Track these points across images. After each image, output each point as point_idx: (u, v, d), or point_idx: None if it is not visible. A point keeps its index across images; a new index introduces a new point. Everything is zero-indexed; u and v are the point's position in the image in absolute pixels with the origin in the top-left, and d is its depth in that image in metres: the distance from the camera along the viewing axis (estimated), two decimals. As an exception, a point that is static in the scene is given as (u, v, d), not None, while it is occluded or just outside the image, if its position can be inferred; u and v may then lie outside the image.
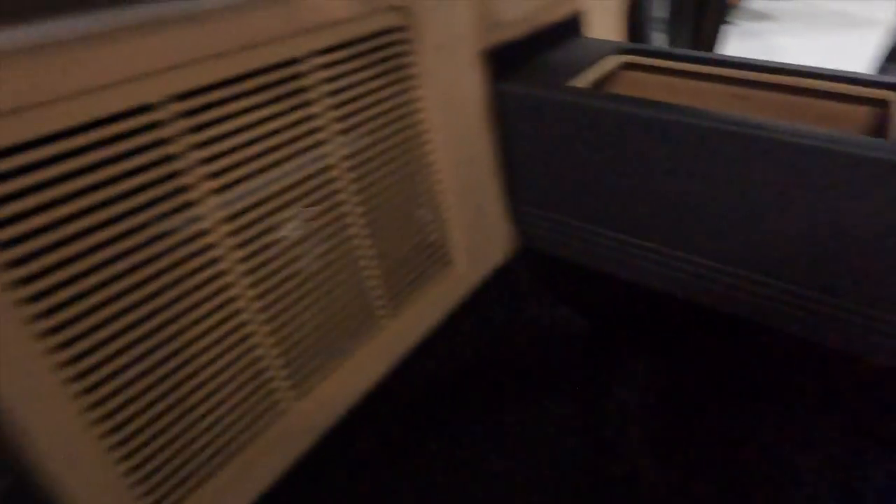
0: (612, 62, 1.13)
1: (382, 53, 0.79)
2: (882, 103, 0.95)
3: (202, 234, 0.60)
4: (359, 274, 0.80)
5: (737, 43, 4.94)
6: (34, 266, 0.48)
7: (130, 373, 0.56)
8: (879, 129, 0.95)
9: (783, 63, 1.05)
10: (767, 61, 1.06)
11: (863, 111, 0.99)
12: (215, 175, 0.61)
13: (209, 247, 0.61)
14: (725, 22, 1.83)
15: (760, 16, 5.72)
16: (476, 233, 1.01)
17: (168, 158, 0.56)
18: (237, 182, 0.63)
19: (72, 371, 0.52)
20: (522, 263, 1.11)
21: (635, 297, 1.04)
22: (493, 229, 1.06)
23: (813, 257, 0.83)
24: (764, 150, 0.79)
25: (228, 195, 0.63)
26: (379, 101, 0.79)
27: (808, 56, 4.59)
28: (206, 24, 0.58)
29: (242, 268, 0.65)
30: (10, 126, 0.46)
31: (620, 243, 1.00)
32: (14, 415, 0.48)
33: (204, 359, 0.62)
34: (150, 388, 0.58)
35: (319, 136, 0.71)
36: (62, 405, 0.51)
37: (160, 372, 0.58)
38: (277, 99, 0.66)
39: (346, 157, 0.75)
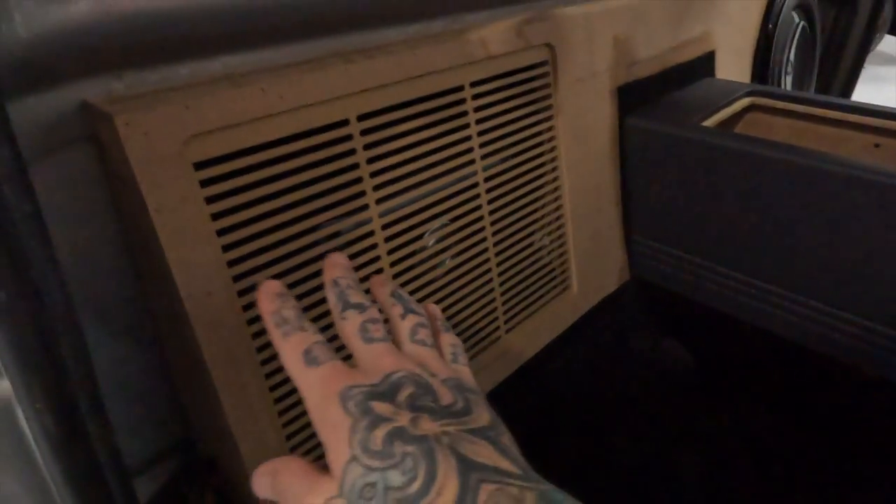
0: (741, 103, 1.15)
1: (528, 85, 0.85)
2: None
3: (368, 234, 0.68)
4: (484, 288, 0.86)
5: (864, 88, 4.67)
6: (244, 249, 0.58)
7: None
8: None
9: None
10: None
11: None
12: (381, 186, 0.69)
13: (373, 246, 0.69)
14: (860, 68, 1.78)
15: (891, 59, 5.37)
16: (592, 259, 1.05)
17: (352, 167, 0.65)
18: (397, 193, 0.71)
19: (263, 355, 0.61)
20: (634, 294, 1.14)
21: (744, 336, 1.04)
22: (608, 257, 1.10)
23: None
24: (879, 195, 0.79)
25: (390, 203, 0.71)
26: (520, 129, 0.86)
27: (944, 105, 4.25)
28: (389, 55, 0.66)
29: (392, 271, 0.72)
30: (239, 135, 0.55)
31: (736, 282, 1.01)
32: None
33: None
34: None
35: (469, 156, 0.79)
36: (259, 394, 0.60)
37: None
38: (440, 122, 0.74)
39: (487, 179, 0.82)
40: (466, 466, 0.28)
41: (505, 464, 0.29)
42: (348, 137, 0.64)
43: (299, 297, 0.64)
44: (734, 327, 1.05)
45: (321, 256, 0.65)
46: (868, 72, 5.25)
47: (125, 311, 0.62)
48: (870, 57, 5.51)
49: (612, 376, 1.09)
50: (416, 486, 0.28)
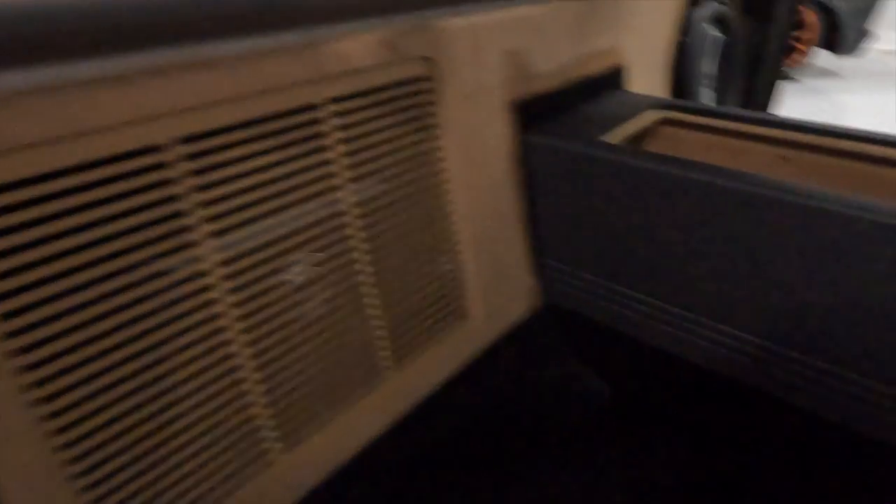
0: (649, 117, 1.10)
1: (405, 102, 0.78)
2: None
3: (199, 275, 0.60)
4: (364, 323, 0.78)
5: (800, 100, 4.81)
6: (25, 299, 0.49)
7: (109, 411, 0.55)
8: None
9: (830, 125, 1.00)
10: (812, 122, 1.01)
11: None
12: (217, 217, 0.60)
13: (206, 288, 0.60)
14: (779, 79, 1.78)
15: (825, 73, 5.57)
16: (495, 286, 0.98)
17: (170, 199, 0.56)
18: (240, 225, 0.63)
19: (49, 408, 0.51)
20: (545, 320, 1.07)
21: (660, 363, 0.98)
22: (514, 283, 1.03)
23: (845, 333, 0.76)
24: (801, 217, 0.74)
25: (230, 237, 0.62)
26: (397, 149, 0.78)
27: (872, 115, 4.41)
28: (221, 69, 0.58)
29: (238, 311, 0.64)
30: (16, 162, 0.46)
31: (645, 306, 0.95)
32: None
33: (188, 402, 0.61)
34: (129, 428, 0.57)
35: (332, 182, 0.71)
36: (35, 440, 0.50)
37: (142, 411, 0.57)
38: (290, 144, 0.66)
39: (359, 204, 0.74)
40: None
41: None
42: (161, 165, 0.56)
43: (110, 349, 0.54)
44: (648, 353, 0.99)
45: (140, 300, 0.56)
46: (804, 84, 5.44)
47: None
48: (806, 70, 5.70)
49: (522, 408, 1.02)
50: None
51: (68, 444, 0.53)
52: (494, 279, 0.98)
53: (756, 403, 0.91)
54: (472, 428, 0.96)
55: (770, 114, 1.06)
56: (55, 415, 0.52)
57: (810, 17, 4.89)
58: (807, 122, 1.00)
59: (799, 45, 5.05)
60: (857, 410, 0.80)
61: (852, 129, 0.96)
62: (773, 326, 0.83)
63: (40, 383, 0.50)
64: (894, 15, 6.07)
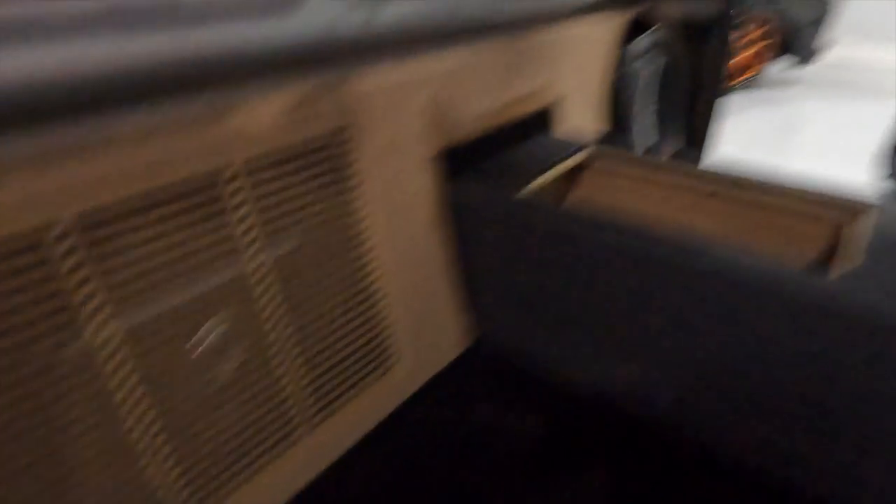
0: (576, 159, 1.13)
1: (319, 161, 0.79)
2: (845, 221, 0.92)
3: (96, 350, 0.60)
4: (278, 383, 0.79)
5: (760, 110, 4.92)
6: None
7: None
8: (832, 253, 0.92)
9: (746, 176, 1.03)
10: (732, 173, 1.04)
11: (819, 232, 0.96)
12: (113, 291, 0.61)
13: (104, 362, 0.61)
14: (718, 104, 1.82)
15: (783, 83, 5.70)
16: (424, 331, 1.00)
17: (65, 276, 0.57)
18: (141, 299, 0.63)
19: None
20: (474, 362, 1.09)
21: (585, 405, 1.00)
22: (443, 327, 1.05)
23: (746, 380, 0.79)
24: (692, 275, 0.77)
25: (132, 310, 0.63)
26: (312, 207, 0.80)
27: (830, 123, 4.54)
28: (119, 146, 0.59)
29: (141, 386, 0.64)
30: None
31: (568, 348, 0.97)
32: None
33: (87, 473, 0.61)
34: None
35: (241, 244, 0.72)
36: None
37: (36, 485, 0.58)
38: (195, 212, 0.66)
39: (273, 264, 0.75)
40: None
41: None
42: (49, 244, 0.56)
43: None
44: (574, 395, 1.01)
45: (33, 378, 0.56)
46: (763, 93, 5.56)
47: None
48: (766, 78, 5.83)
49: (452, 452, 1.03)
50: None
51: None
52: (423, 325, 0.99)
53: (676, 446, 0.94)
54: (399, 476, 0.97)
55: (688, 163, 1.09)
56: None
57: (768, 27, 5.01)
58: (721, 170, 1.04)
59: (758, 56, 5.17)
60: (770, 454, 0.83)
61: (764, 180, 0.99)
62: (679, 371, 0.85)
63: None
64: (849, 24, 6.24)
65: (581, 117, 1.36)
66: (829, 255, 0.96)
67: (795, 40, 4.95)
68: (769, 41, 5.05)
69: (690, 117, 1.86)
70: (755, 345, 0.76)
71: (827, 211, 0.94)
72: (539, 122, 1.21)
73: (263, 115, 0.72)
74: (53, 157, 0.56)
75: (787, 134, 4.39)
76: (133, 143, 0.61)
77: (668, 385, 0.89)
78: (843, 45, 6.41)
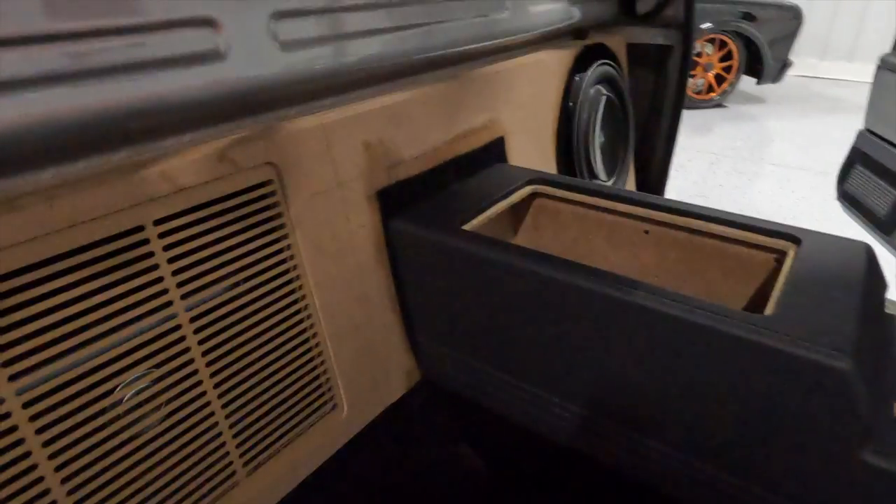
0: (520, 193, 1.14)
1: (245, 209, 0.79)
2: (780, 254, 0.93)
3: (4, 416, 0.59)
4: (210, 431, 0.77)
5: (729, 125, 5.02)
6: None
7: None
8: (773, 280, 0.93)
9: (689, 205, 1.05)
10: (674, 202, 1.05)
11: (763, 258, 0.97)
12: (25, 355, 0.59)
13: (12, 429, 0.59)
14: (677, 130, 1.85)
15: (751, 98, 5.83)
16: (367, 372, 0.99)
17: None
18: (54, 358, 0.62)
19: None
20: (421, 398, 1.08)
21: (528, 440, 1.00)
22: (388, 366, 1.04)
23: (676, 417, 0.80)
24: (625, 312, 0.78)
25: (46, 370, 0.61)
26: (240, 255, 0.79)
27: (796, 138, 4.63)
28: (24, 210, 0.58)
29: (51, 448, 0.63)
30: None
31: (509, 385, 0.97)
32: None
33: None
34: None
35: (163, 298, 0.70)
36: None
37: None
38: (112, 269, 0.65)
39: (196, 316, 0.74)
40: None
41: None
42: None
43: None
44: (518, 431, 1.01)
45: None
46: (731, 111, 5.67)
47: None
48: (733, 96, 5.94)
49: (399, 492, 1.02)
50: None
51: None
52: (366, 364, 0.99)
53: (610, 478, 0.94)
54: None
55: (632, 192, 1.11)
56: None
57: (728, 48, 5.13)
58: (664, 201, 1.05)
59: (725, 74, 5.28)
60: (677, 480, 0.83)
61: (706, 210, 1.00)
62: (611, 404, 0.86)
63: None
64: (811, 43, 6.42)
65: (531, 150, 1.38)
66: (762, 290, 0.98)
67: (761, 61, 5.08)
68: (731, 62, 5.17)
69: (647, 146, 1.89)
70: (687, 379, 0.77)
71: (761, 245, 0.95)
72: (487, 155, 1.22)
73: (188, 165, 0.71)
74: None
75: (752, 151, 4.48)
76: (38, 204, 0.60)
77: (602, 418, 0.89)
78: (805, 64, 6.58)
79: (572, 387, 0.89)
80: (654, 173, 1.93)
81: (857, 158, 2.34)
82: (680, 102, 1.87)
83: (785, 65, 5.19)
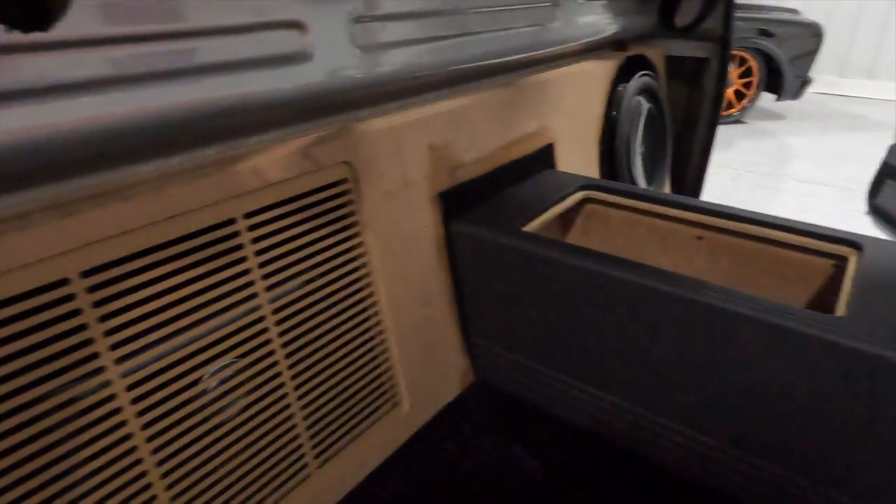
0: (574, 198, 1.15)
1: (323, 205, 0.81)
2: (841, 259, 0.94)
3: (110, 398, 0.61)
4: (286, 423, 0.79)
5: (749, 141, 5.02)
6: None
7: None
8: (835, 285, 0.94)
9: (743, 210, 1.06)
10: (728, 207, 1.07)
11: (820, 264, 0.98)
12: (128, 340, 0.62)
13: (117, 410, 0.61)
14: (712, 143, 1.86)
15: (771, 115, 5.83)
16: (427, 369, 1.01)
17: (79, 328, 0.58)
18: (153, 344, 0.64)
19: None
20: (477, 398, 1.09)
21: (584, 440, 1.00)
22: (446, 365, 1.05)
23: (740, 418, 0.80)
24: (692, 311, 0.79)
25: (139, 359, 0.63)
26: (317, 251, 0.81)
27: (815, 155, 4.63)
28: (129, 200, 0.60)
29: (148, 431, 0.64)
30: None
31: (567, 385, 0.98)
32: None
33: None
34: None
35: (250, 289, 0.73)
36: None
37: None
38: (205, 260, 0.68)
39: (278, 307, 0.76)
40: None
41: None
42: (69, 297, 0.57)
43: (27, 475, 0.55)
44: (574, 431, 1.01)
45: (56, 427, 0.56)
46: (750, 127, 5.67)
47: None
48: (753, 112, 5.93)
49: (456, 490, 1.03)
50: None
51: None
52: (426, 363, 1.00)
53: (668, 479, 0.94)
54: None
55: (685, 198, 1.12)
56: None
57: (749, 65, 5.15)
58: (717, 206, 1.06)
59: (744, 90, 5.30)
60: (740, 482, 0.84)
61: (754, 214, 1.02)
62: (671, 404, 0.86)
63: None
64: (830, 61, 6.43)
65: (576, 156, 1.40)
66: (820, 295, 0.98)
67: (781, 77, 5.09)
68: (750, 78, 5.19)
69: (683, 157, 1.90)
70: (754, 379, 0.78)
71: (819, 250, 0.96)
72: (537, 161, 1.24)
73: (269, 167, 0.74)
74: (73, 208, 0.57)
75: (773, 167, 4.48)
76: (145, 194, 0.62)
77: (661, 418, 0.90)
78: (824, 81, 6.58)
79: (631, 387, 0.90)
80: (688, 184, 1.94)
81: (889, 173, 2.34)
82: (716, 115, 1.89)
83: (805, 82, 5.20)
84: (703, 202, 1.11)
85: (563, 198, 1.13)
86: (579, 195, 1.17)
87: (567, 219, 1.21)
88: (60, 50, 0.54)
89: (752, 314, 0.74)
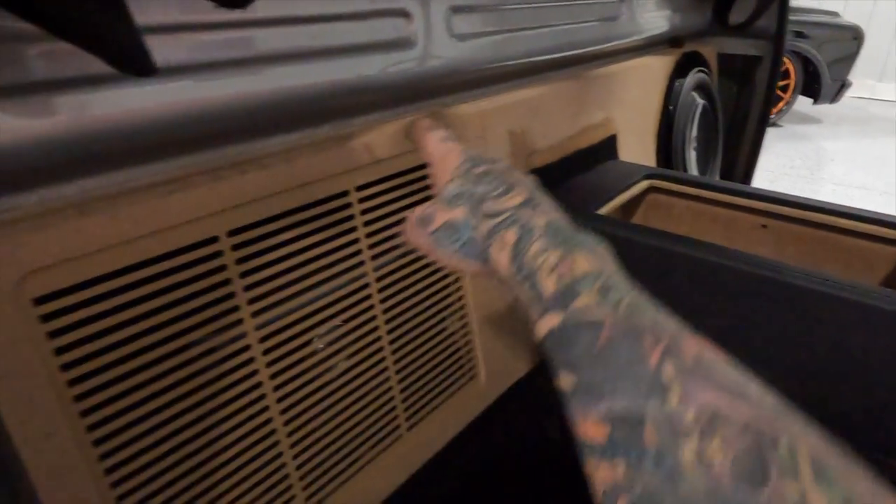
0: (639, 186, 1.20)
1: (421, 183, 0.87)
2: (904, 248, 0.97)
3: (244, 349, 0.67)
4: (382, 385, 0.85)
5: (785, 145, 4.99)
6: (97, 380, 0.55)
7: (161, 476, 0.61)
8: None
9: (808, 199, 1.09)
10: (793, 196, 1.10)
11: (888, 252, 1.01)
12: (259, 298, 0.68)
13: (249, 360, 0.67)
14: (761, 142, 1.89)
15: (807, 118, 5.77)
16: (500, 345, 1.05)
17: (223, 283, 0.64)
18: (279, 303, 0.70)
19: (109, 457, 0.57)
20: (545, 377, 1.14)
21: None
22: (518, 341, 1.10)
23: (822, 399, 0.84)
24: (776, 291, 0.82)
25: (269, 315, 0.69)
26: (414, 226, 0.86)
27: (852, 160, 4.58)
28: (266, 168, 0.67)
29: (275, 381, 0.70)
30: (89, 264, 0.54)
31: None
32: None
33: (227, 455, 0.67)
34: (176, 490, 0.63)
35: (358, 258, 0.78)
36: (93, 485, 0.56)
37: (188, 477, 0.63)
38: (323, 228, 0.73)
39: (380, 276, 0.82)
40: (535, 193, 0.46)
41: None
42: (217, 254, 0.63)
43: (167, 419, 0.61)
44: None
45: (194, 375, 0.62)
46: (786, 130, 5.61)
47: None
48: (788, 115, 5.87)
49: (525, 465, 1.08)
50: (496, 193, 0.45)
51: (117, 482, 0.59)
52: (501, 338, 1.05)
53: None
54: (479, 484, 1.01)
55: (749, 186, 1.16)
56: (108, 453, 0.58)
57: (789, 66, 5.11)
58: (782, 195, 1.10)
59: (781, 94, 5.26)
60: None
61: (819, 203, 1.05)
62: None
63: (102, 439, 0.57)
64: (869, 65, 6.33)
65: (636, 148, 1.44)
66: (888, 283, 1.01)
67: (818, 80, 5.04)
68: (787, 81, 5.15)
69: (731, 154, 1.93)
70: (823, 358, 0.81)
71: (887, 238, 0.99)
72: (602, 151, 1.28)
73: (378, 144, 0.80)
74: (223, 173, 0.64)
75: (811, 170, 4.44)
76: (277, 164, 0.68)
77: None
78: (862, 86, 6.49)
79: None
80: (736, 182, 1.97)
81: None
82: (766, 114, 1.91)
83: (843, 85, 5.14)
84: (767, 191, 1.14)
85: (630, 185, 1.17)
86: (645, 183, 1.21)
87: (626, 208, 1.25)
88: (228, 29, 0.60)
89: (824, 289, 0.78)
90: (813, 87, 5.21)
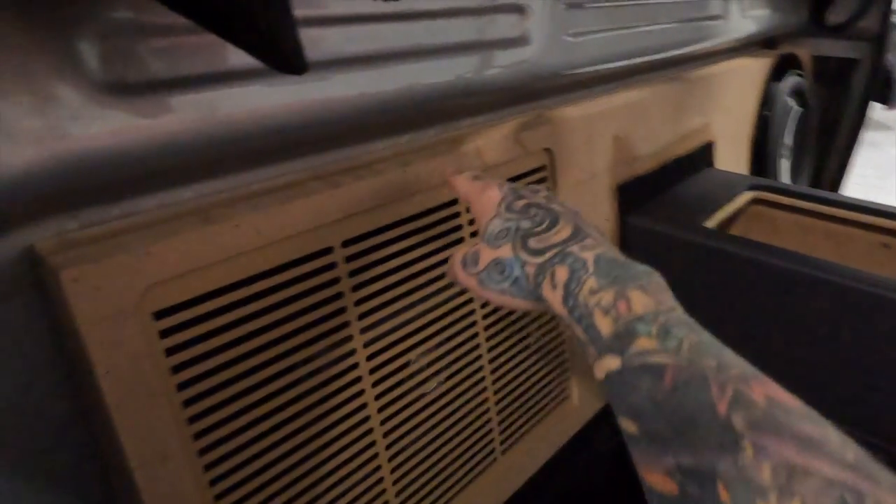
0: (743, 198, 1.11)
1: (530, 182, 0.81)
2: None
3: (352, 367, 0.62)
4: (480, 406, 0.79)
5: (858, 152, 4.75)
6: (210, 400, 0.51)
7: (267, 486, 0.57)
8: None
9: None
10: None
11: None
12: (369, 313, 0.63)
13: (356, 380, 0.63)
14: (854, 149, 1.77)
15: (877, 125, 5.49)
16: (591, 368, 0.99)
17: (336, 297, 0.59)
18: (388, 318, 0.65)
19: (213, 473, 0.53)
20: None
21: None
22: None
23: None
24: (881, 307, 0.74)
25: (376, 331, 0.65)
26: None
27: (931, 173, 4.32)
28: (382, 175, 0.62)
29: (379, 402, 0.66)
30: (209, 276, 0.50)
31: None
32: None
33: (332, 479, 0.63)
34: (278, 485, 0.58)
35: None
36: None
37: (293, 473, 0.59)
38: (432, 238, 0.68)
39: (484, 291, 0.76)
40: (580, 224, 0.42)
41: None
42: (331, 266, 0.59)
43: (275, 443, 0.57)
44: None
45: (302, 396, 0.58)
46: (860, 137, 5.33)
47: (66, 459, 0.54)
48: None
49: (617, 488, 1.01)
50: (541, 227, 0.42)
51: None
52: (592, 358, 0.99)
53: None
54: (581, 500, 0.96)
55: (865, 200, 1.06)
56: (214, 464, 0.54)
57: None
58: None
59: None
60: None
61: None
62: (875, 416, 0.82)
63: (214, 460, 0.53)
64: (948, 69, 5.98)
65: (730, 155, 1.35)
66: None
67: (891, 86, 4.78)
68: (871, 95, 4.89)
69: (823, 161, 1.81)
70: None
71: None
72: (700, 158, 1.20)
73: (494, 145, 0.74)
74: (339, 180, 0.59)
75: (883, 179, 4.21)
76: (392, 170, 0.63)
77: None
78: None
79: (808, 385, 0.86)
80: (829, 188, 1.85)
81: None
82: (861, 121, 1.79)
83: (917, 91, 4.85)
84: (889, 206, 1.04)
85: (734, 196, 1.09)
86: (749, 195, 1.12)
87: (734, 221, 1.17)
88: (353, 24, 0.56)
89: None
90: (884, 91, 4.93)
